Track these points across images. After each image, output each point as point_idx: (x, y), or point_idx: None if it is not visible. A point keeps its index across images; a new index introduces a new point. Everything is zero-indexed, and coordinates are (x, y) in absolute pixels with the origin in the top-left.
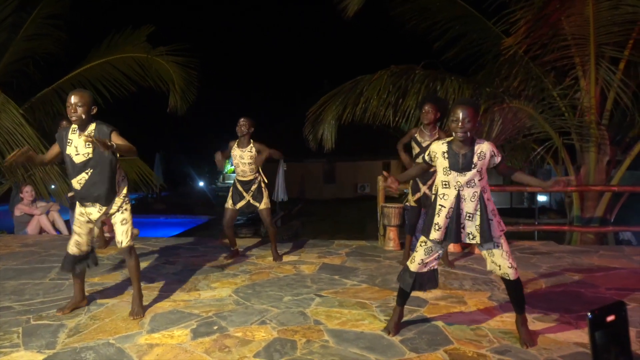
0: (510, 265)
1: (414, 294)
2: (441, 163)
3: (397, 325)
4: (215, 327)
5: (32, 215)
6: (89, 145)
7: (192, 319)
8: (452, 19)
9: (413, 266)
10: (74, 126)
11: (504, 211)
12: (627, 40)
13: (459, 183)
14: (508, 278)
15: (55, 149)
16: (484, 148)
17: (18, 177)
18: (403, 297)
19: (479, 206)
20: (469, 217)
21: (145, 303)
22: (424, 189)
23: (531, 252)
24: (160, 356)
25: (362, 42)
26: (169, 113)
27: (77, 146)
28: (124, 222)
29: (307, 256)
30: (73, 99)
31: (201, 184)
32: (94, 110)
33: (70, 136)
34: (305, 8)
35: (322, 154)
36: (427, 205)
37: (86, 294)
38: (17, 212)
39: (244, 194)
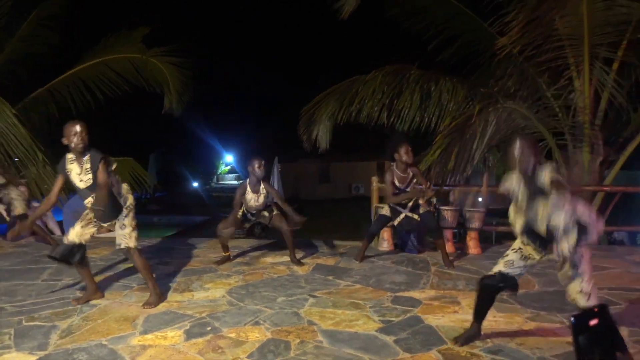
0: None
1: (408, 294)
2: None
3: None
4: (209, 328)
5: (25, 216)
6: (88, 171)
7: (185, 319)
8: (448, 19)
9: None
10: (70, 156)
11: (499, 211)
12: (620, 41)
13: None
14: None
15: (60, 183)
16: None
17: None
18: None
19: None
20: None
21: (138, 303)
22: (406, 212)
23: None
24: (154, 357)
25: (357, 41)
26: (164, 114)
27: (79, 174)
28: (122, 226)
29: (301, 257)
30: (79, 128)
31: (195, 184)
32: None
33: (68, 166)
34: (301, 6)
35: (316, 154)
36: (411, 226)
37: (78, 294)
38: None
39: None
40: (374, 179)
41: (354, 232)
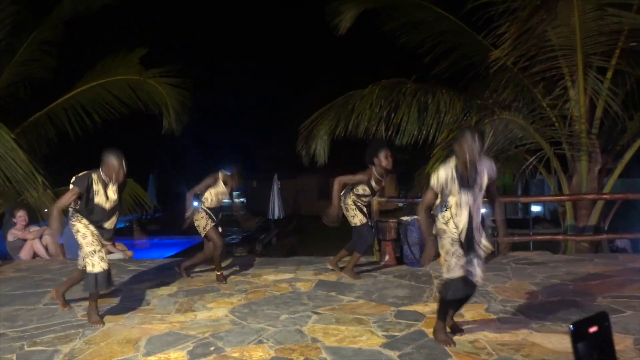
0: None
1: (411, 308)
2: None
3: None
4: (212, 348)
5: (25, 240)
6: (115, 192)
7: (188, 340)
8: (442, 33)
9: None
10: (96, 177)
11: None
12: (613, 50)
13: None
14: None
15: (75, 196)
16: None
17: (10, 202)
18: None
19: None
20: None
21: (140, 325)
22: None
23: (526, 262)
24: None
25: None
26: (163, 134)
27: (107, 195)
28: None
29: (303, 273)
30: (123, 162)
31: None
32: None
33: (95, 187)
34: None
35: (316, 170)
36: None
37: (80, 317)
38: (10, 237)
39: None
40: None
41: None
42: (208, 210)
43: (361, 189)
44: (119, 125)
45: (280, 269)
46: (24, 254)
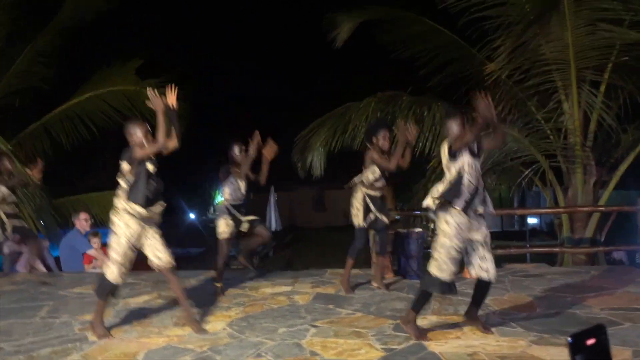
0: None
1: None
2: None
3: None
4: None
5: (21, 253)
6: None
7: (186, 354)
8: (438, 46)
9: None
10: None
11: (496, 234)
12: (606, 64)
13: None
14: None
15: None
16: None
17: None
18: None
19: None
20: None
21: (138, 339)
22: (377, 213)
23: (523, 274)
24: None
25: (349, 68)
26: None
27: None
28: (162, 244)
29: (301, 286)
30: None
31: (192, 215)
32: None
33: (148, 165)
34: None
35: (312, 182)
36: (377, 228)
37: (77, 331)
38: (6, 250)
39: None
40: None
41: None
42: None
43: (371, 175)
44: (115, 135)
45: (278, 282)
46: (20, 266)
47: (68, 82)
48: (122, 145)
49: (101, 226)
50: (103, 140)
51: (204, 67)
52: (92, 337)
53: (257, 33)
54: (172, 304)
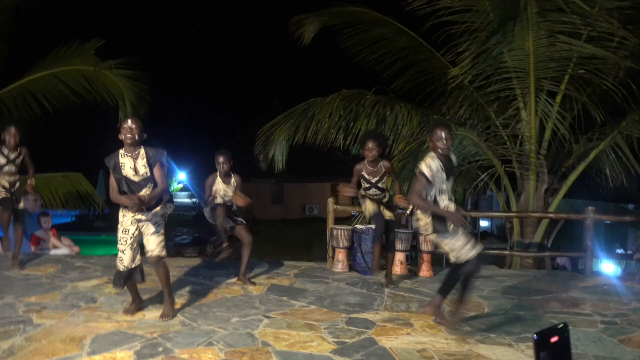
0: None
1: (362, 315)
2: (441, 176)
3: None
4: (160, 349)
5: None
6: (145, 165)
7: (135, 340)
8: (402, 48)
9: None
10: (122, 151)
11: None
12: (563, 75)
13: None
14: None
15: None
16: None
17: None
18: None
19: None
20: None
21: (85, 323)
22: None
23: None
24: None
25: (313, 64)
26: (118, 128)
27: (133, 167)
28: (158, 234)
29: (256, 277)
30: (131, 123)
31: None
32: (144, 136)
33: (121, 160)
34: (257, 28)
35: (270, 174)
36: (378, 222)
37: (21, 313)
38: None
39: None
40: (330, 200)
41: (306, 252)
42: None
43: (363, 184)
44: (70, 116)
45: (232, 272)
46: None
47: (23, 60)
48: (81, 127)
49: (51, 207)
50: (54, 120)
51: (164, 54)
52: (37, 319)
53: (223, 25)
54: (123, 289)
